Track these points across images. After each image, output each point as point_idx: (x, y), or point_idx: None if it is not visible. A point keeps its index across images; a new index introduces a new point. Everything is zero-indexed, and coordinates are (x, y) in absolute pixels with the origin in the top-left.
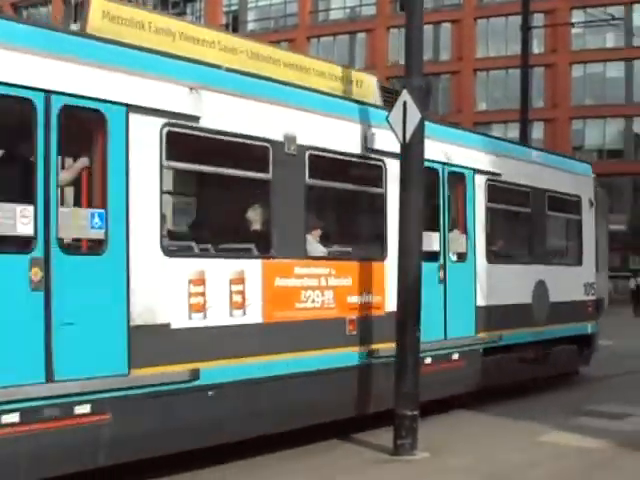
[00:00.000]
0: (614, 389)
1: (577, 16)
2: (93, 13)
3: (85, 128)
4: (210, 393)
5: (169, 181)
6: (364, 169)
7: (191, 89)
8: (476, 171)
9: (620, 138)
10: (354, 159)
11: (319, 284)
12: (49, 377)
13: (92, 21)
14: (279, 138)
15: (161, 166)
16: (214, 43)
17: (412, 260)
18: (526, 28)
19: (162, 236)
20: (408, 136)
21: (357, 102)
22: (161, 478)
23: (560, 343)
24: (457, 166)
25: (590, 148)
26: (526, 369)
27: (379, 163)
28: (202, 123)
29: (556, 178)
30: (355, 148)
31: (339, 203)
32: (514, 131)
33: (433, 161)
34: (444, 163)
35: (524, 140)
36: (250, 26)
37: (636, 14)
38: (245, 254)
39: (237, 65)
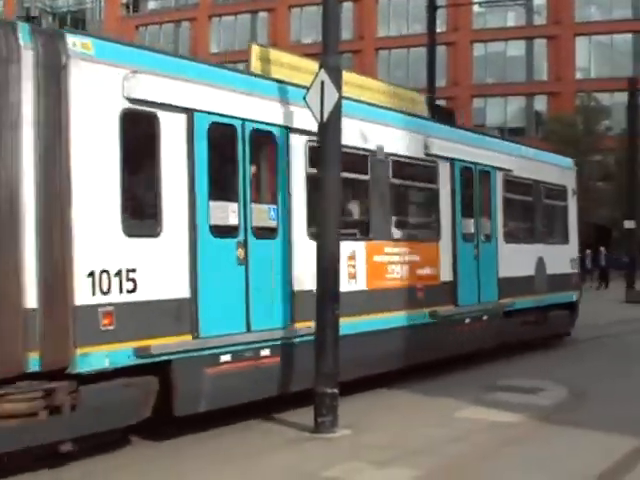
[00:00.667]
0: (530, 364)
1: None
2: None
3: (262, 145)
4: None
5: (310, 184)
6: (424, 169)
7: None
8: (496, 169)
9: (521, 116)
10: (418, 162)
11: (399, 260)
12: (248, 328)
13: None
14: (374, 148)
15: (306, 172)
16: None
17: (330, 239)
18: (432, 7)
19: (309, 225)
20: (326, 115)
21: (418, 117)
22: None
23: (554, 309)
24: (484, 165)
25: (492, 126)
26: (530, 330)
27: (434, 165)
28: None
29: (548, 172)
30: (418, 153)
31: (408, 196)
32: None
33: (468, 162)
34: (475, 163)
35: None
36: (151, 5)
37: None
38: (354, 237)
39: None
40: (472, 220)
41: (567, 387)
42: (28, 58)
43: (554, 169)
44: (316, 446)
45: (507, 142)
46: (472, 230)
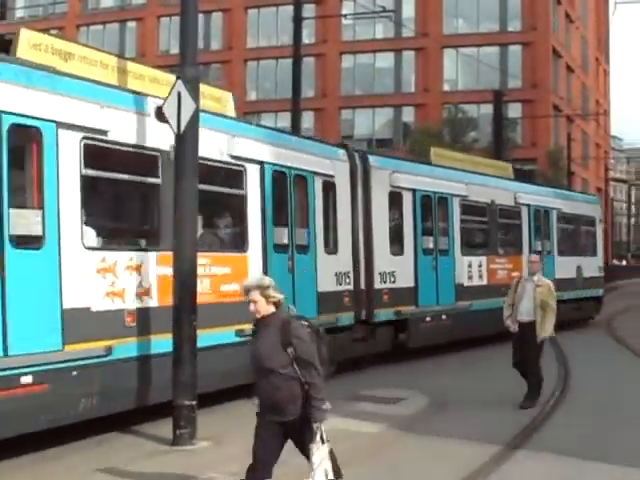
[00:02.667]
0: (395, 373)
1: (348, 7)
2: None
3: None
4: None
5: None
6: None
7: None
8: (554, 209)
9: (389, 127)
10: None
11: None
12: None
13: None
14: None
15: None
16: None
17: (187, 252)
18: (298, 19)
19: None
20: (183, 127)
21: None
22: None
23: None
24: (550, 208)
25: (360, 137)
26: (573, 313)
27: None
28: None
29: (585, 208)
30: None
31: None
32: (284, 121)
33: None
34: (545, 207)
35: (296, 129)
36: (18, 13)
37: (406, 6)
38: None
39: None
40: (540, 242)
41: (429, 396)
42: (356, 167)
43: (588, 206)
44: (175, 459)
45: (563, 191)
46: (546, 248)
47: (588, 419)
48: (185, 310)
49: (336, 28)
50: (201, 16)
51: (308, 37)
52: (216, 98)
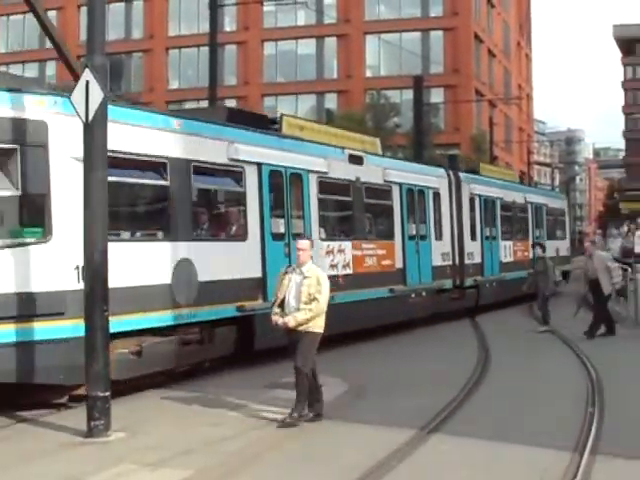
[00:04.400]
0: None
1: None
2: None
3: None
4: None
5: None
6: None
7: None
8: (544, 205)
9: (312, 114)
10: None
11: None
12: None
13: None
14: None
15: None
16: None
17: (97, 243)
18: (215, 6)
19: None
20: (91, 116)
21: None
22: None
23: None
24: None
25: None
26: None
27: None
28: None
29: (559, 202)
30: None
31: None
32: None
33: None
34: (535, 203)
35: None
36: None
37: None
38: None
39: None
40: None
41: (347, 382)
42: (452, 181)
43: (559, 201)
44: (89, 450)
45: (541, 189)
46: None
47: (504, 401)
48: (96, 299)
49: (258, 16)
50: (122, 5)
51: (230, 25)
52: (371, 143)
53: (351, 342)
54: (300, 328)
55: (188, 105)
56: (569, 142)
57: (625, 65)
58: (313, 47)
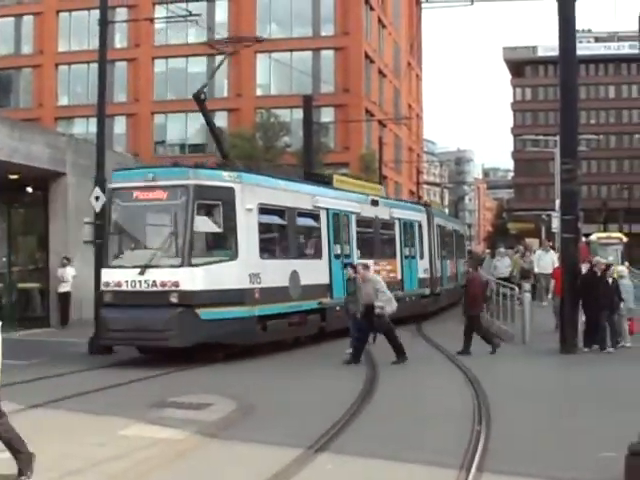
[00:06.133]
0: (202, 377)
1: (160, 12)
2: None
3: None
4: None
5: None
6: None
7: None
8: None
9: (202, 132)
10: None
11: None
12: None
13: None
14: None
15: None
16: None
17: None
18: (105, 22)
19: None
20: None
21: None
22: None
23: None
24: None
25: (173, 142)
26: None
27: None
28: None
29: (454, 223)
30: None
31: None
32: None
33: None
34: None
35: (102, 135)
36: None
37: (219, 10)
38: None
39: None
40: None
41: (236, 401)
42: (426, 215)
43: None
44: None
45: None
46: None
47: (392, 419)
48: None
49: (148, 32)
50: (12, 20)
51: (121, 41)
52: (379, 189)
53: (254, 356)
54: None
55: (77, 122)
56: (459, 162)
57: (515, 86)
58: (204, 65)
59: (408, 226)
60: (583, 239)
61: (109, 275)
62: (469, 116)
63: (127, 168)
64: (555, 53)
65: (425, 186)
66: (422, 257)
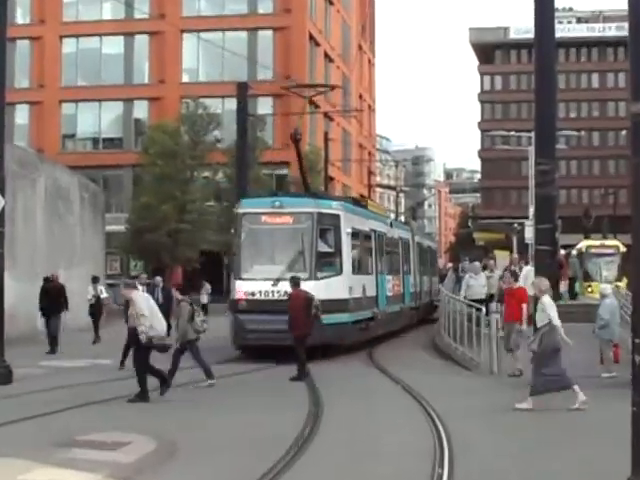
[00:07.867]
0: (119, 412)
1: None
2: None
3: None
4: None
5: None
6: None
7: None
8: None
9: (118, 124)
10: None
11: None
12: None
13: None
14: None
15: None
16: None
17: None
18: None
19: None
20: None
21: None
22: None
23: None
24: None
25: (84, 136)
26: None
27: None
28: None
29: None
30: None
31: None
32: None
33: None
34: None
35: (1, 127)
36: None
37: None
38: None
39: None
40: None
41: (156, 439)
42: (410, 232)
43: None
44: None
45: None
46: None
47: (339, 453)
48: None
49: (56, 7)
50: None
51: (23, 17)
52: (383, 210)
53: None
54: None
55: None
56: (417, 162)
57: (482, 74)
58: (121, 46)
59: (405, 244)
60: (562, 252)
61: (242, 286)
62: (429, 109)
63: (256, 195)
64: (530, 35)
65: (378, 189)
66: (411, 273)
